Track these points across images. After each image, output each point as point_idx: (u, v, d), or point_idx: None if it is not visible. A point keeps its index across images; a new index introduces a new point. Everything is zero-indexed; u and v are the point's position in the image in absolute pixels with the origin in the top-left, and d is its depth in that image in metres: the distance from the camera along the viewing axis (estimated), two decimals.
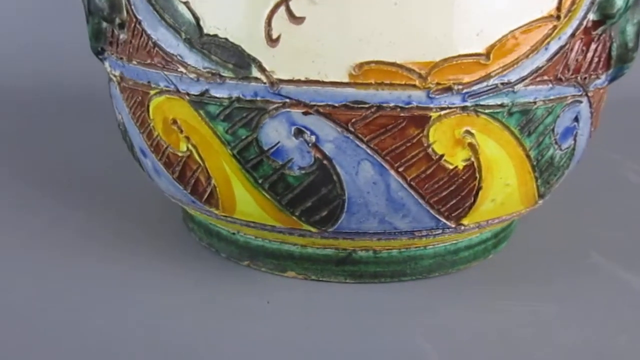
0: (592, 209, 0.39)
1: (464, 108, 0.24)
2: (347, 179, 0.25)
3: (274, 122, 0.24)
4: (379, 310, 0.28)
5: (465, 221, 0.27)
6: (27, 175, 0.43)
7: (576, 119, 0.27)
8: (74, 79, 0.63)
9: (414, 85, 0.23)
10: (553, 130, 0.26)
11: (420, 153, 0.24)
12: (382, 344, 0.25)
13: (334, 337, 0.26)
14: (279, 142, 0.24)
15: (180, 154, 0.27)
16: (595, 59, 0.27)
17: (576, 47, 0.25)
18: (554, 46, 0.24)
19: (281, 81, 0.23)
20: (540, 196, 0.29)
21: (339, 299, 0.29)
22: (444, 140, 0.24)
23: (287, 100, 0.24)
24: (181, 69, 0.25)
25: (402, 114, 0.24)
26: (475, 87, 0.24)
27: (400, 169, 0.25)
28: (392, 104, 0.23)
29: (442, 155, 0.25)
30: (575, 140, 0.28)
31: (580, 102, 0.27)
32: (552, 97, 0.25)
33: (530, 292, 0.29)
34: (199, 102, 0.25)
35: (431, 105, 0.23)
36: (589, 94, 0.27)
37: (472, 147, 0.25)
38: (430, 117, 0.24)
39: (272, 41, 0.23)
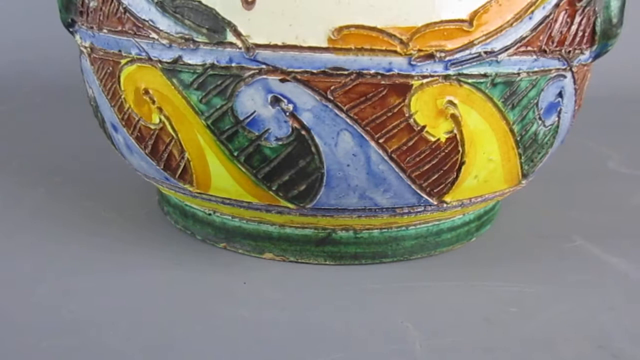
0: (574, 195, 0.39)
1: (446, 77, 0.23)
2: (326, 150, 0.24)
3: (250, 89, 0.23)
4: (359, 291, 0.27)
5: (447, 198, 0.26)
6: (5, 163, 0.41)
7: (560, 95, 0.27)
8: (47, 64, 0.62)
9: (395, 52, 0.22)
10: (537, 104, 0.26)
11: (401, 124, 0.24)
12: (362, 324, 0.24)
13: (313, 318, 0.25)
14: (255, 112, 0.23)
15: (152, 127, 0.26)
16: (580, 33, 0.26)
17: (560, 18, 0.25)
18: (538, 15, 0.24)
19: (257, 46, 0.22)
20: (524, 175, 0.28)
21: (318, 280, 0.28)
22: (425, 111, 0.23)
23: (264, 66, 0.23)
24: (153, 35, 0.24)
25: (382, 82, 0.23)
26: (457, 55, 0.23)
27: (381, 140, 0.24)
28: (372, 71, 0.22)
29: (424, 127, 0.24)
30: (559, 117, 0.28)
31: (565, 76, 0.26)
32: (536, 69, 0.25)
33: (513, 274, 0.29)
34: (172, 69, 0.24)
35: (412, 73, 0.23)
36: (573, 69, 0.27)
37: (455, 119, 0.24)
38: (412, 85, 0.23)
39: (248, 4, 0.22)
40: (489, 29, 0.23)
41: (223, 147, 0.24)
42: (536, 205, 0.37)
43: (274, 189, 0.25)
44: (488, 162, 0.26)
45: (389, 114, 0.23)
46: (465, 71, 0.23)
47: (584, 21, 0.26)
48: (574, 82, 0.27)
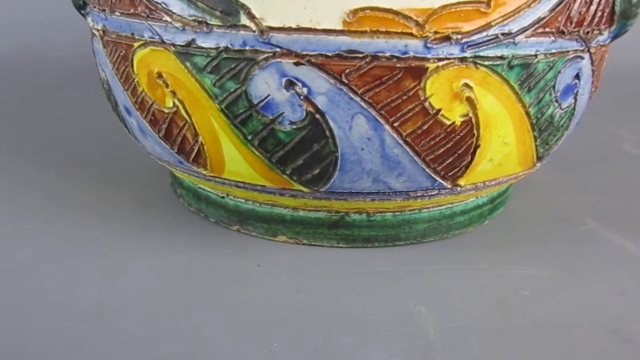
0: (588, 177, 0.39)
1: (462, 59, 0.23)
2: (340, 134, 0.24)
3: (264, 73, 0.23)
4: (372, 274, 0.27)
5: (461, 181, 0.26)
6: (18, 146, 0.41)
7: (577, 77, 0.27)
8: (58, 47, 0.61)
9: (411, 34, 0.22)
10: (554, 86, 0.26)
11: (416, 107, 0.23)
12: (375, 307, 0.25)
13: (325, 300, 0.25)
14: (269, 95, 0.23)
15: (166, 111, 0.26)
16: (599, 13, 0.26)
17: None
18: None
19: (271, 29, 0.22)
20: (539, 158, 0.28)
21: (331, 263, 0.28)
22: (441, 94, 0.23)
23: (278, 49, 0.22)
24: (166, 17, 0.24)
25: (398, 65, 0.22)
26: (474, 37, 0.23)
27: (396, 124, 0.24)
28: (387, 54, 0.22)
29: (439, 110, 0.24)
30: (575, 99, 0.27)
31: (582, 58, 0.26)
32: (553, 51, 0.24)
33: (525, 257, 0.29)
34: (185, 53, 0.24)
35: (428, 56, 0.22)
36: (591, 50, 0.26)
37: (470, 102, 0.24)
38: (428, 68, 0.23)
39: None
40: (506, 10, 0.23)
41: (237, 131, 0.24)
42: (549, 187, 0.37)
43: (287, 172, 0.25)
44: (503, 145, 0.26)
45: (404, 97, 0.23)
46: (481, 53, 0.23)
47: (603, 1, 0.25)
48: (592, 64, 0.27)
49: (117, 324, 0.23)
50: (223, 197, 0.30)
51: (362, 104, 0.23)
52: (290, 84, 0.23)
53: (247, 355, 0.22)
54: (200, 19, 0.23)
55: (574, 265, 0.28)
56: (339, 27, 0.22)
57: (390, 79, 0.23)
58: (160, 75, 0.25)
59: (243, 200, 0.29)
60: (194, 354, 0.22)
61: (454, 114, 0.24)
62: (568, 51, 0.25)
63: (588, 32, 0.25)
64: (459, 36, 0.22)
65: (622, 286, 0.27)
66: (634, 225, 0.32)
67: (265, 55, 0.23)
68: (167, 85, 0.25)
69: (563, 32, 0.24)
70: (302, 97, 0.23)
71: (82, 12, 0.29)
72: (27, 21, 0.64)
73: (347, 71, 0.23)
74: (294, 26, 0.22)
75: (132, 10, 0.25)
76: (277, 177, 0.25)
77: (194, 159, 0.27)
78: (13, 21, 0.64)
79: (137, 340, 0.22)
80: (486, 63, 0.23)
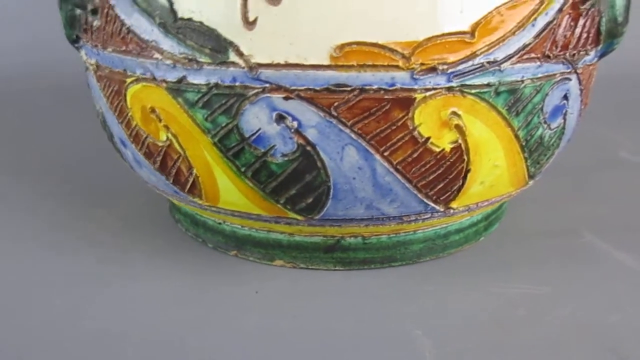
0: (584, 187, 0.39)
1: (449, 89, 0.23)
2: (331, 165, 0.24)
3: (255, 108, 0.23)
4: (370, 296, 0.27)
5: (454, 204, 0.26)
6: (12, 169, 0.42)
7: (565, 97, 0.27)
8: (53, 68, 0.62)
9: (398, 66, 0.22)
10: (542, 109, 0.26)
11: (405, 136, 0.24)
12: (373, 331, 0.25)
13: (324, 324, 0.25)
14: (260, 129, 0.24)
15: (160, 144, 0.26)
16: (584, 35, 0.26)
17: (564, 22, 0.25)
18: (541, 22, 0.24)
19: (260, 65, 0.23)
20: (531, 177, 0.29)
21: (328, 286, 0.28)
22: (429, 123, 0.24)
23: (267, 85, 0.23)
24: (157, 55, 0.24)
25: (385, 97, 0.23)
26: (460, 67, 0.23)
27: (386, 153, 0.24)
28: (375, 86, 0.23)
29: (428, 138, 0.24)
30: (564, 119, 0.28)
31: (570, 79, 0.26)
32: (540, 75, 0.25)
33: (523, 274, 0.29)
34: (177, 89, 0.24)
35: (415, 87, 0.23)
36: (578, 71, 0.27)
37: (459, 129, 0.24)
38: (415, 98, 0.23)
39: (249, 24, 0.22)
40: (491, 40, 0.23)
41: (230, 164, 0.25)
42: (545, 198, 0.37)
43: (281, 202, 0.25)
44: (494, 168, 0.26)
45: (393, 127, 0.23)
46: (468, 82, 0.23)
47: (588, 22, 0.26)
48: (579, 83, 0.27)
49: (114, 351, 0.23)
50: (220, 224, 0.30)
51: (352, 135, 0.23)
52: (280, 118, 0.23)
53: None
54: (190, 57, 0.23)
55: (570, 281, 0.28)
56: (326, 62, 0.22)
57: (378, 110, 0.23)
58: (153, 110, 0.25)
59: (240, 227, 0.29)
60: None
61: (444, 141, 0.24)
62: (555, 74, 0.25)
63: (574, 55, 0.26)
64: (445, 66, 0.23)
65: (619, 302, 0.27)
66: (632, 236, 0.32)
67: (255, 90, 0.23)
68: (160, 120, 0.25)
69: (549, 57, 0.25)
70: (292, 130, 0.23)
71: (76, 45, 0.29)
72: (21, 41, 0.65)
73: (335, 104, 0.23)
74: (282, 62, 0.22)
75: (123, 48, 0.25)
76: (271, 206, 0.26)
77: (189, 190, 0.27)
78: (8, 41, 0.65)
79: None
80: (473, 91, 0.24)
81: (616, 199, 0.37)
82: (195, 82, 0.24)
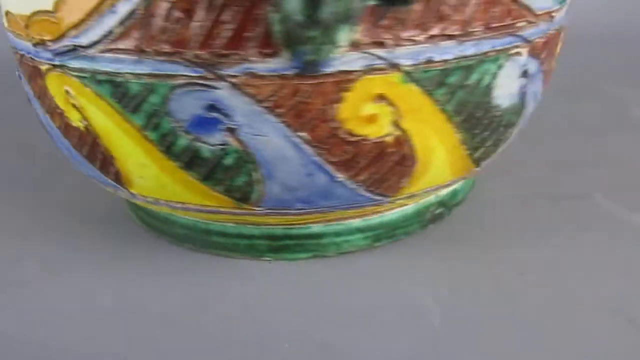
0: (591, 148, 0.36)
1: (59, 66, 0.23)
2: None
3: None
4: (355, 276, 0.26)
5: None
6: None
7: (213, 108, 0.21)
8: None
9: (23, 36, 0.24)
10: (169, 112, 0.22)
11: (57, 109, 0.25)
12: (380, 301, 0.24)
13: (325, 300, 0.24)
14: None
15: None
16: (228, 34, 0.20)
17: (161, 11, 0.20)
18: (122, 8, 0.20)
19: None
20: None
21: (296, 275, 0.26)
22: (59, 96, 0.24)
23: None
24: None
25: (30, 64, 0.25)
26: (56, 47, 0.23)
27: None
28: (24, 53, 0.25)
29: (62, 110, 0.24)
30: (223, 133, 0.22)
31: (218, 88, 0.21)
32: (139, 72, 0.21)
33: (533, 239, 0.28)
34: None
35: (37, 59, 0.24)
36: (234, 81, 0.20)
37: (77, 108, 0.24)
38: (41, 69, 0.24)
39: None
40: (72, 22, 0.22)
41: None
42: (554, 163, 0.35)
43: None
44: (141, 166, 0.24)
45: (44, 94, 0.25)
46: (69, 64, 0.23)
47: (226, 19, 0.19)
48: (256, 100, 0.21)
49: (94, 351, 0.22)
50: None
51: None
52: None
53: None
54: None
55: (578, 244, 0.27)
56: None
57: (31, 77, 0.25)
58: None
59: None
60: None
61: (75, 118, 0.24)
62: (177, 76, 0.21)
63: (221, 57, 0.20)
64: (50, 44, 0.23)
65: (627, 264, 0.25)
66: None
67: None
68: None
69: (144, 51, 0.21)
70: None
71: None
72: None
73: None
74: None
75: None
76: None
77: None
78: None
79: None
80: (74, 74, 0.23)
81: (627, 161, 0.34)
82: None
